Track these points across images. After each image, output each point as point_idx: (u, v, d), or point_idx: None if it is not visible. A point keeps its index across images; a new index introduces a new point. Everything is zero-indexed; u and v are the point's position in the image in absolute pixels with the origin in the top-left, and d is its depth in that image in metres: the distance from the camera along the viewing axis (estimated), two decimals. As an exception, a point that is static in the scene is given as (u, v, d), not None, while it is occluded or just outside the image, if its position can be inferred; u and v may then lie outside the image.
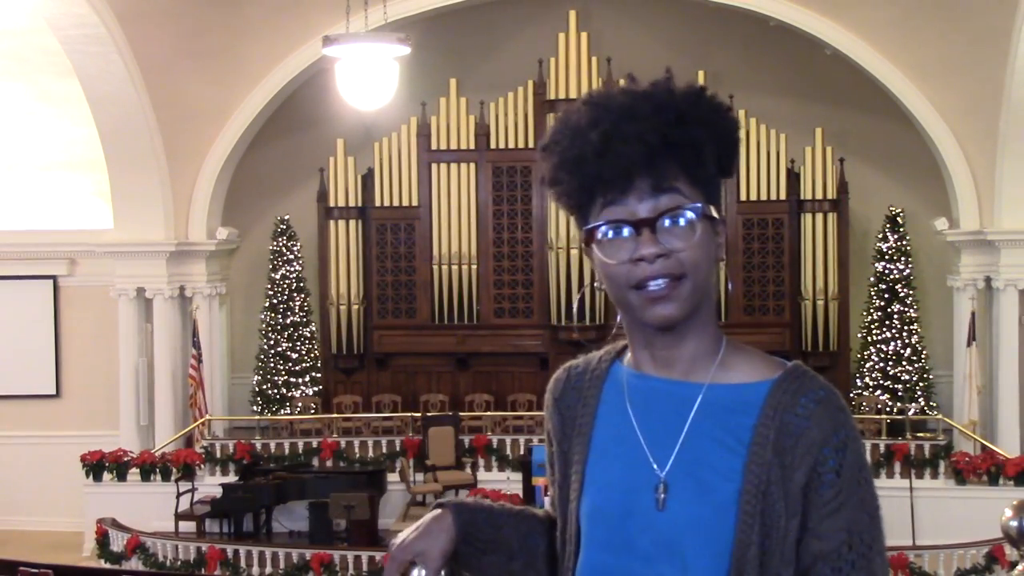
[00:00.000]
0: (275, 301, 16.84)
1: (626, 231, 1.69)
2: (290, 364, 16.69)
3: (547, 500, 1.97)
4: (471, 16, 16.26)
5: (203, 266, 16.07)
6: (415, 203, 16.52)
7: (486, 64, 16.82)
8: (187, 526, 14.08)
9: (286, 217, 16.98)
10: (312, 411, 16.45)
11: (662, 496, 1.70)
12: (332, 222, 16.58)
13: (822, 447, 1.68)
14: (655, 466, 1.72)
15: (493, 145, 16.34)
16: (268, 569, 12.75)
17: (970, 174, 14.70)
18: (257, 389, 16.71)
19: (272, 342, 16.73)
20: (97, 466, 14.62)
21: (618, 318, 1.81)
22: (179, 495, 14.18)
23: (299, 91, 15.99)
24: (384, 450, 14.92)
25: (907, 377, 15.86)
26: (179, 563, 12.87)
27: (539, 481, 12.03)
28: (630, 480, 1.73)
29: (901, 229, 16.13)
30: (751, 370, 1.75)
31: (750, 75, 16.12)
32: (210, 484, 14.46)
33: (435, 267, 16.46)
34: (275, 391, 16.62)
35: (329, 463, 14.73)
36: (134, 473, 14.66)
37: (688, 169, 1.69)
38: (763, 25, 15.36)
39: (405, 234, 16.63)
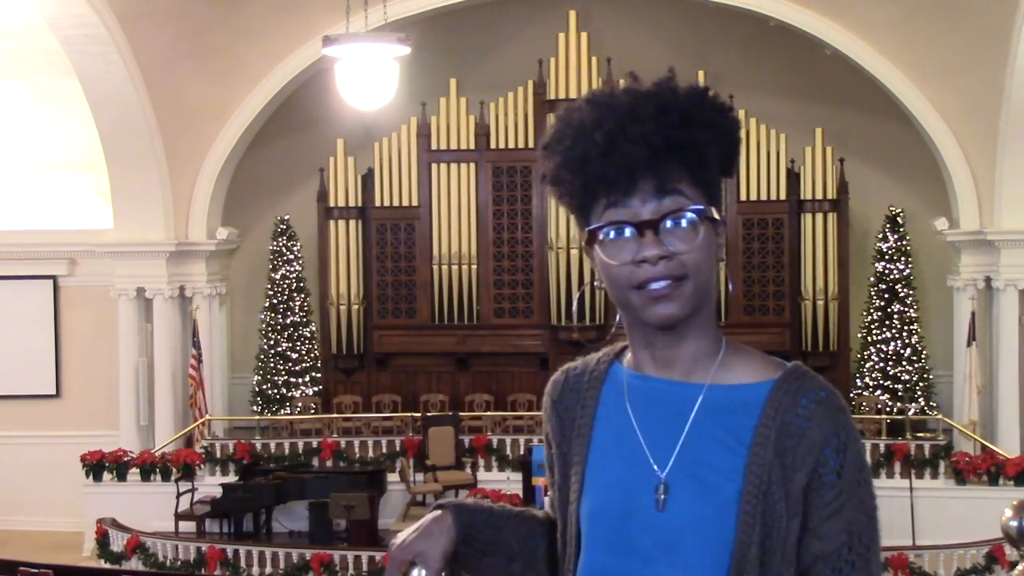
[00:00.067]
0: (275, 301, 16.84)
1: (628, 232, 1.69)
2: (290, 364, 16.69)
3: (547, 501, 1.97)
4: (471, 16, 16.26)
5: (203, 266, 16.07)
6: (415, 203, 16.52)
7: (486, 64, 16.82)
8: (187, 526, 14.08)
9: (286, 217, 16.98)
10: (312, 411, 16.45)
11: (662, 497, 1.70)
12: (332, 222, 16.58)
13: (823, 448, 1.68)
14: (655, 467, 1.72)
15: (493, 145, 16.34)
16: (268, 569, 12.75)
17: (970, 174, 14.70)
18: (257, 389, 16.71)
19: (272, 342, 16.73)
20: (97, 466, 14.62)
21: (617, 318, 1.81)
22: (179, 495, 14.18)
23: (299, 91, 16.00)
24: (384, 450, 14.92)
25: (907, 377, 15.86)
26: (179, 563, 12.87)
27: (539, 481, 12.03)
28: (630, 481, 1.73)
29: (901, 229, 16.13)
30: (751, 371, 1.75)
31: (750, 75, 16.12)
32: (210, 484, 14.45)
33: (435, 267, 16.46)
34: (275, 391, 16.62)
35: (329, 463, 14.73)
36: (134, 473, 14.66)
37: (691, 170, 1.69)
38: (763, 25, 15.36)
39: (405, 234, 16.63)
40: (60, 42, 13.73)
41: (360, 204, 16.58)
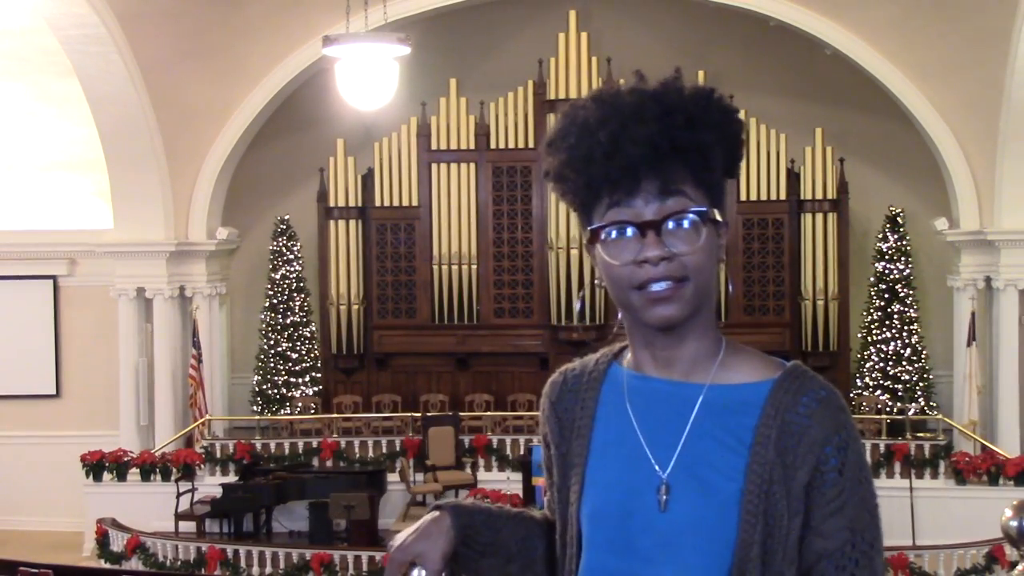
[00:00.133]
0: (275, 301, 16.84)
1: (630, 232, 1.69)
2: (290, 364, 16.69)
3: (545, 502, 1.97)
4: (471, 16, 16.26)
5: (203, 266, 16.07)
6: (415, 203, 16.52)
7: (486, 64, 16.82)
8: (187, 526, 14.08)
9: (286, 217, 16.98)
10: (312, 411, 16.45)
11: (664, 497, 1.70)
12: (332, 222, 16.58)
13: (824, 446, 1.68)
14: (656, 467, 1.72)
15: (493, 145, 16.35)
16: (268, 569, 12.74)
17: (970, 174, 14.70)
18: (257, 389, 16.71)
19: (272, 342, 16.73)
20: (97, 466, 14.62)
21: (619, 317, 1.81)
22: (179, 495, 14.18)
23: (299, 91, 16.00)
24: (384, 450, 14.92)
25: (907, 377, 15.86)
26: (179, 563, 12.87)
27: (539, 481, 12.03)
28: (631, 481, 1.74)
29: (901, 229, 16.13)
30: (751, 370, 1.75)
31: (750, 75, 16.12)
32: (210, 484, 14.45)
33: (435, 267, 16.46)
34: (275, 391, 16.62)
35: (329, 463, 14.73)
36: (134, 473, 14.66)
37: (694, 172, 1.69)
38: (763, 25, 15.36)
39: (405, 234, 16.63)
40: (60, 42, 13.73)
41: (360, 204, 16.58)
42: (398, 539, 1.77)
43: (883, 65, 14.62)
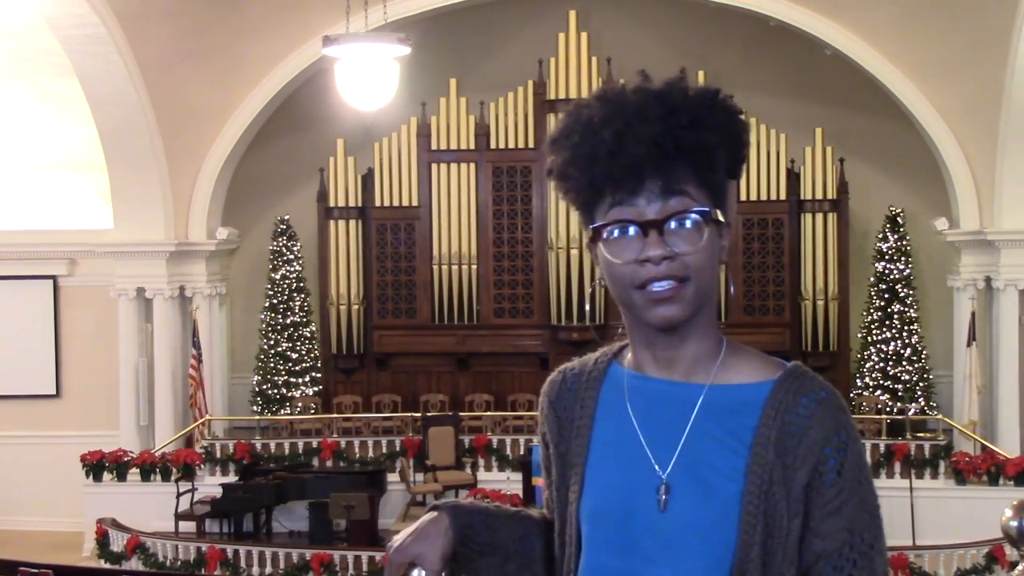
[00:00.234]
0: (275, 301, 16.84)
1: (633, 231, 1.69)
2: (290, 364, 16.69)
3: (544, 500, 1.97)
4: (471, 16, 16.26)
5: (203, 266, 16.07)
6: (415, 203, 16.52)
7: (486, 64, 16.82)
8: (187, 526, 14.08)
9: (286, 217, 16.98)
10: (312, 411, 16.45)
11: (664, 497, 1.70)
12: (332, 222, 16.58)
13: (823, 447, 1.68)
14: (657, 467, 1.72)
15: (493, 145, 16.34)
16: (268, 569, 12.74)
17: (970, 174, 14.69)
18: (257, 389, 16.71)
19: (272, 342, 16.73)
20: (97, 466, 14.62)
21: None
22: (179, 495, 14.17)
23: (299, 91, 15.99)
24: (384, 450, 14.92)
25: (907, 377, 15.86)
26: (179, 563, 12.87)
27: (539, 481, 12.02)
28: (631, 481, 1.74)
29: (901, 229, 16.13)
30: (752, 371, 1.75)
31: (750, 75, 16.11)
32: (210, 484, 14.45)
33: (435, 267, 16.46)
34: (275, 391, 16.62)
35: (329, 463, 14.73)
36: (134, 473, 14.65)
37: (698, 172, 1.69)
38: (763, 25, 15.36)
39: (405, 234, 16.63)
40: (60, 42, 13.73)
41: (360, 204, 16.58)
42: (396, 540, 1.78)
43: (883, 65, 14.62)
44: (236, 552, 12.84)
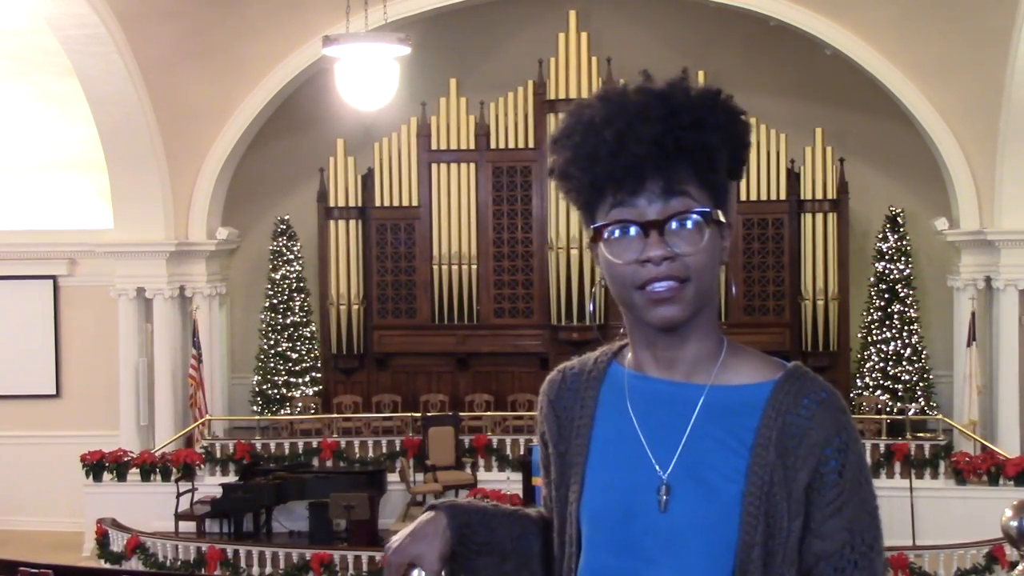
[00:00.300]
0: (275, 301, 16.84)
1: (633, 231, 1.69)
2: (290, 364, 16.68)
3: (542, 499, 1.97)
4: (471, 16, 16.26)
5: (203, 266, 16.07)
6: (415, 203, 16.52)
7: (486, 64, 16.82)
8: (187, 526, 14.07)
9: (286, 217, 16.98)
10: (312, 411, 16.45)
11: (665, 498, 1.70)
12: (332, 222, 16.58)
13: (824, 448, 1.68)
14: (657, 467, 1.72)
15: (493, 145, 16.34)
16: (268, 569, 12.74)
17: (970, 174, 14.69)
18: (257, 389, 16.71)
19: (272, 342, 16.73)
20: (97, 466, 14.62)
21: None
22: (179, 495, 14.17)
23: (299, 91, 15.99)
24: (384, 450, 14.92)
25: (907, 377, 15.86)
26: (179, 563, 12.87)
27: (539, 481, 12.01)
28: (632, 481, 1.73)
29: (901, 229, 16.12)
30: (753, 371, 1.75)
31: (750, 75, 16.10)
32: (210, 484, 14.45)
33: (435, 267, 16.46)
34: (275, 391, 16.62)
35: (329, 463, 14.73)
36: (134, 473, 14.65)
37: (699, 173, 1.69)
38: (763, 25, 15.36)
39: (405, 234, 16.63)
40: (60, 42, 13.73)
41: (360, 204, 16.57)
42: (394, 541, 1.78)
43: (883, 65, 14.62)
44: (236, 552, 12.84)
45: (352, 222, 16.57)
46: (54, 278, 16.79)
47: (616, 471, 1.76)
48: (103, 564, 13.25)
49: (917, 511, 13.41)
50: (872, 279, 16.18)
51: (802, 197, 16.05)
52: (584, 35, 16.10)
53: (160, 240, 15.59)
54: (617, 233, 1.70)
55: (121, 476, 14.67)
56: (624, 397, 1.79)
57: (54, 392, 16.81)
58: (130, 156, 15.00)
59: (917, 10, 14.15)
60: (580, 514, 1.80)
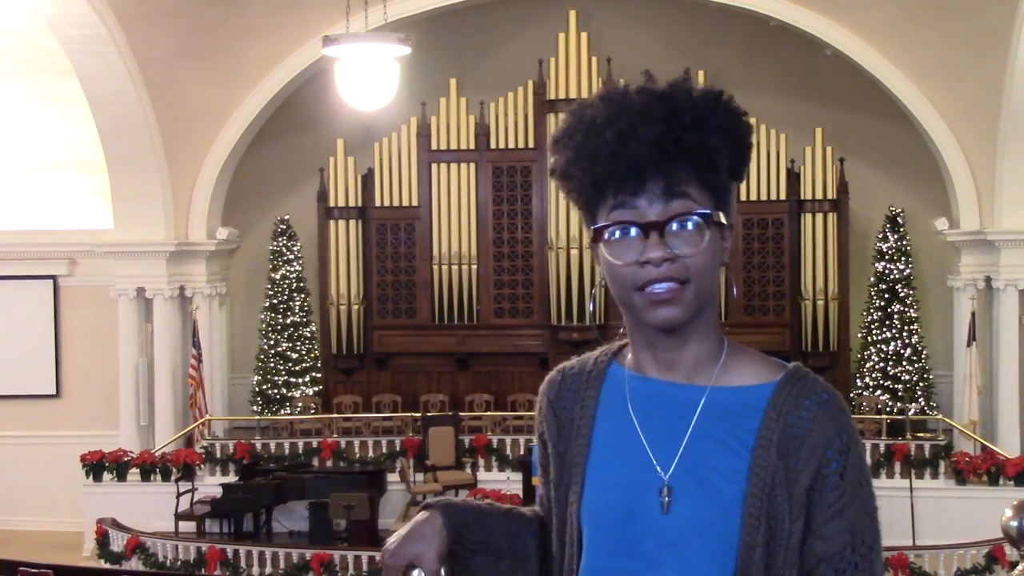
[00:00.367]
0: (275, 301, 16.84)
1: (634, 232, 1.68)
2: (290, 364, 16.68)
3: (537, 499, 1.97)
4: (471, 16, 16.25)
5: (203, 266, 16.06)
6: (415, 203, 16.52)
7: (486, 64, 16.82)
8: (187, 526, 14.07)
9: (286, 217, 16.98)
10: (312, 411, 16.44)
11: (666, 499, 1.70)
12: (332, 222, 16.58)
13: (826, 449, 1.68)
14: (658, 468, 1.72)
15: (493, 145, 16.34)
16: (268, 569, 12.74)
17: (970, 174, 14.69)
18: (257, 389, 16.70)
19: (272, 342, 16.73)
20: (97, 466, 14.62)
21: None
22: (179, 495, 14.17)
23: (299, 91, 15.99)
24: (384, 450, 14.92)
25: (907, 377, 15.85)
26: (179, 563, 12.87)
27: (539, 481, 12.04)
28: (633, 482, 1.73)
29: (901, 229, 16.12)
30: (753, 372, 1.75)
31: (750, 75, 16.11)
32: (210, 484, 14.45)
33: (435, 267, 16.45)
34: (275, 391, 16.61)
35: (329, 463, 14.73)
36: (134, 473, 14.65)
37: (700, 174, 1.69)
38: (763, 25, 15.36)
39: (405, 234, 16.62)
40: (60, 42, 13.73)
41: (360, 204, 16.57)
42: (391, 543, 1.77)
43: (883, 65, 14.62)
44: (236, 552, 12.84)
45: (352, 222, 16.57)
46: (54, 278, 16.79)
47: (617, 471, 1.76)
48: (103, 564, 13.25)
49: (917, 511, 13.41)
50: (872, 279, 16.18)
51: (802, 197, 16.05)
52: (584, 35, 16.09)
53: (160, 240, 15.59)
54: (617, 234, 1.70)
55: (121, 476, 14.67)
56: (625, 398, 1.79)
57: (54, 392, 16.81)
58: (130, 156, 15.00)
59: (917, 10, 14.15)
60: (580, 514, 1.79)
